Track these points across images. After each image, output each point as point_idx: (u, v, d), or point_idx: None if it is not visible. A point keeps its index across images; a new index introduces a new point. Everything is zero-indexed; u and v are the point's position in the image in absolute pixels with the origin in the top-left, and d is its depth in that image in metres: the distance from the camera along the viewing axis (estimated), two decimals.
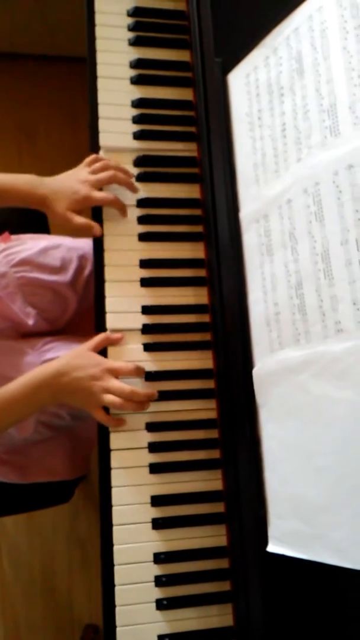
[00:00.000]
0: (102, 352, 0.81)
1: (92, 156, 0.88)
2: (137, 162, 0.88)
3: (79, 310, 1.06)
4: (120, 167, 0.87)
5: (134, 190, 0.87)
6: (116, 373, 0.78)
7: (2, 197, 0.86)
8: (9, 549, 1.59)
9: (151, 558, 0.75)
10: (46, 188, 0.85)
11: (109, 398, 0.76)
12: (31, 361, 0.95)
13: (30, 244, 1.02)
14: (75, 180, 0.85)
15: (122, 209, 0.86)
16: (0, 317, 0.95)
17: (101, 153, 0.88)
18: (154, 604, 0.74)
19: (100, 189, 0.86)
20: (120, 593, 0.74)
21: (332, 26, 0.61)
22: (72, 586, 1.58)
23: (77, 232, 0.87)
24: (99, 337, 0.81)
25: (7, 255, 0.98)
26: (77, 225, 0.85)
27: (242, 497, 0.71)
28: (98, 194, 0.85)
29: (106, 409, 0.78)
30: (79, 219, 0.84)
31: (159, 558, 0.75)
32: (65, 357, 0.81)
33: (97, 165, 0.86)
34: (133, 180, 0.87)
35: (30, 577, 1.58)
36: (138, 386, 0.79)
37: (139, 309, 0.83)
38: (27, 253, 0.99)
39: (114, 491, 0.77)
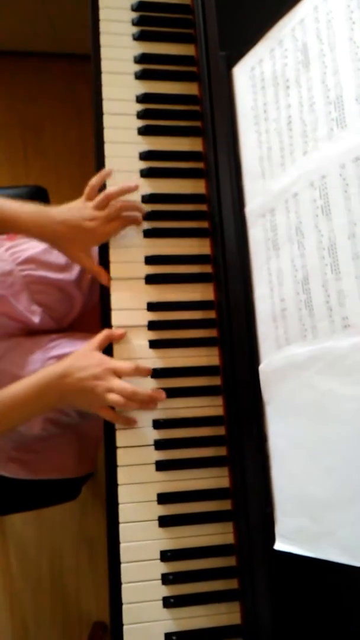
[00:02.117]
0: (108, 349, 0.81)
1: (88, 188, 0.86)
2: (142, 157, 0.88)
3: (85, 308, 1.06)
4: (123, 188, 0.85)
5: (142, 210, 0.86)
6: (118, 373, 0.78)
7: (5, 226, 0.86)
8: (17, 546, 1.59)
9: (158, 556, 0.75)
10: (59, 226, 0.84)
11: (112, 397, 0.75)
12: (37, 358, 0.94)
13: (35, 242, 1.02)
14: (84, 219, 0.84)
15: (138, 221, 0.86)
16: (5, 317, 0.95)
17: (106, 148, 0.87)
18: (161, 602, 0.74)
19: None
20: (127, 591, 0.74)
21: (338, 17, 0.60)
22: (80, 584, 1.58)
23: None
24: (101, 335, 0.81)
25: (13, 254, 0.98)
26: (88, 270, 0.86)
27: (249, 494, 0.70)
28: (111, 227, 0.84)
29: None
30: (92, 266, 0.86)
31: (166, 556, 0.75)
32: (69, 358, 0.80)
33: (100, 198, 0.85)
34: (139, 208, 0.86)
35: (38, 574, 1.58)
36: (147, 385, 0.79)
37: (145, 306, 0.82)
38: (32, 251, 0.99)
39: (120, 489, 0.76)
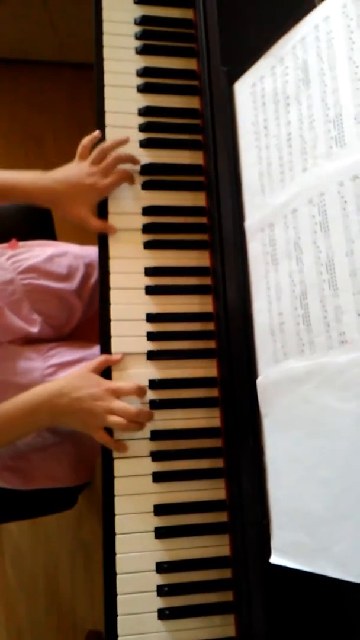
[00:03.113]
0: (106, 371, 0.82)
1: (82, 145, 0.88)
2: (143, 170, 0.88)
3: (85, 318, 1.06)
4: (115, 142, 0.87)
5: (135, 162, 0.88)
6: (118, 393, 0.77)
7: (10, 195, 0.86)
8: (12, 554, 1.59)
9: (154, 567, 0.75)
10: (59, 185, 0.85)
11: (114, 419, 0.75)
12: (36, 366, 0.95)
13: (37, 251, 1.02)
14: (83, 174, 0.85)
15: (131, 178, 0.87)
16: (3, 327, 0.94)
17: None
18: (156, 614, 0.74)
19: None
20: (123, 602, 0.74)
21: (338, 36, 0.61)
22: (75, 592, 1.57)
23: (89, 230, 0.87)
24: (99, 359, 0.80)
25: (15, 262, 0.99)
26: (94, 229, 0.86)
27: (245, 507, 0.71)
28: (112, 180, 0.85)
29: (109, 430, 0.78)
30: (96, 222, 0.85)
31: (162, 567, 0.75)
32: (65, 377, 0.80)
33: (95, 154, 0.87)
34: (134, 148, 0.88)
35: (34, 582, 1.58)
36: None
37: (144, 317, 0.83)
38: (34, 260, 1.00)
39: (117, 500, 0.76)
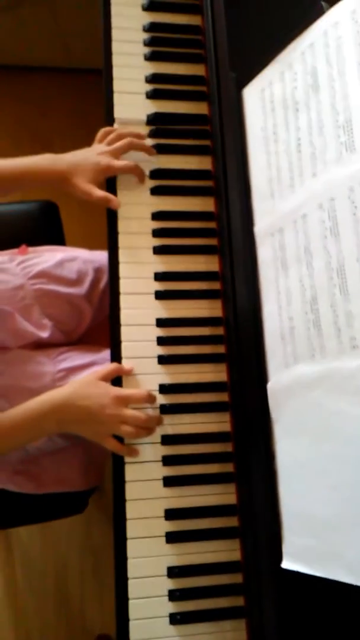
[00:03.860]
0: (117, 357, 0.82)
1: (102, 130, 0.89)
2: (152, 175, 0.89)
3: (94, 322, 1.07)
4: (134, 132, 0.88)
5: (151, 152, 0.88)
6: (127, 401, 0.77)
7: (22, 179, 0.88)
8: (22, 558, 1.59)
9: (165, 572, 0.75)
10: (65, 163, 0.87)
11: (124, 429, 0.74)
12: (46, 370, 0.95)
13: (47, 257, 1.03)
14: (93, 153, 0.87)
15: (141, 175, 0.87)
16: (13, 331, 0.95)
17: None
18: (167, 618, 0.74)
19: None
20: (134, 607, 0.74)
21: (347, 42, 0.61)
22: (84, 596, 1.58)
23: (95, 204, 0.87)
24: (109, 367, 0.80)
25: (25, 268, 1.00)
26: (97, 198, 0.85)
27: (256, 511, 0.71)
28: (119, 162, 0.86)
29: (118, 437, 0.78)
30: (99, 192, 0.85)
31: (173, 572, 0.75)
32: (73, 384, 0.79)
33: (112, 136, 0.88)
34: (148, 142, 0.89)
35: (43, 586, 1.58)
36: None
37: (154, 322, 0.83)
38: (44, 265, 1.01)
39: (128, 504, 0.77)
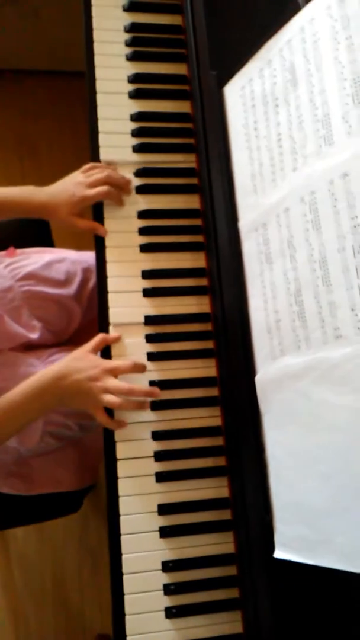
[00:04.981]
0: (107, 356, 0.83)
1: (89, 164, 0.90)
2: (138, 174, 0.90)
3: (84, 322, 1.07)
4: (116, 171, 0.88)
5: (128, 191, 0.89)
6: (115, 372, 0.79)
7: (1, 209, 0.88)
8: (19, 559, 1.59)
9: (159, 566, 0.76)
10: (44, 195, 0.88)
11: (108, 398, 0.76)
12: (37, 370, 0.95)
13: (35, 258, 1.03)
14: (70, 184, 0.88)
15: (118, 199, 0.87)
16: (1, 335, 0.95)
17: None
18: (163, 612, 0.75)
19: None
20: (130, 602, 0.75)
21: (323, 37, 0.62)
22: (83, 596, 1.58)
23: (83, 234, 0.88)
24: (96, 338, 0.82)
25: (13, 270, 1.00)
26: (82, 228, 0.87)
27: (248, 503, 0.71)
28: (92, 191, 0.86)
29: (110, 411, 0.79)
30: (82, 222, 0.87)
31: (167, 566, 0.76)
32: (65, 360, 0.81)
33: (93, 170, 0.89)
34: (132, 187, 0.89)
35: (41, 587, 1.58)
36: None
37: (142, 320, 0.84)
38: (32, 267, 1.01)
39: (121, 500, 0.77)
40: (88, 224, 0.87)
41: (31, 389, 0.80)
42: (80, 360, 0.80)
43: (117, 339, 0.83)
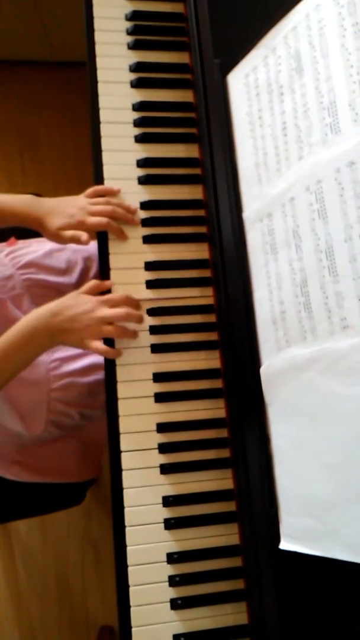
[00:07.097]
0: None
1: (94, 188, 0.88)
2: (140, 165, 0.89)
3: None
4: (122, 203, 0.87)
5: (132, 223, 0.87)
6: (108, 304, 0.80)
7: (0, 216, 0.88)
8: (23, 552, 1.60)
9: (164, 558, 0.76)
10: (43, 209, 0.87)
11: (106, 328, 0.78)
12: (40, 360, 0.95)
13: (35, 247, 1.03)
14: (73, 206, 0.86)
15: (118, 233, 0.85)
16: (4, 320, 0.95)
17: (104, 157, 0.88)
18: (168, 604, 0.75)
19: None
20: (135, 593, 0.75)
21: (329, 24, 0.61)
22: (86, 588, 1.59)
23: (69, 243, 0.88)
24: (90, 283, 0.83)
25: (14, 258, 1.00)
26: (67, 241, 0.86)
27: (253, 495, 0.71)
28: (91, 219, 0.85)
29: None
30: (67, 234, 0.85)
31: (172, 558, 0.76)
32: (57, 300, 0.82)
33: (100, 199, 0.87)
34: (136, 217, 0.87)
35: (45, 580, 1.59)
36: (151, 387, 0.81)
37: (145, 311, 0.83)
38: (32, 255, 1.00)
39: (126, 493, 0.77)
40: (71, 234, 0.85)
41: (25, 330, 0.80)
42: (72, 299, 0.81)
43: (110, 285, 0.83)
